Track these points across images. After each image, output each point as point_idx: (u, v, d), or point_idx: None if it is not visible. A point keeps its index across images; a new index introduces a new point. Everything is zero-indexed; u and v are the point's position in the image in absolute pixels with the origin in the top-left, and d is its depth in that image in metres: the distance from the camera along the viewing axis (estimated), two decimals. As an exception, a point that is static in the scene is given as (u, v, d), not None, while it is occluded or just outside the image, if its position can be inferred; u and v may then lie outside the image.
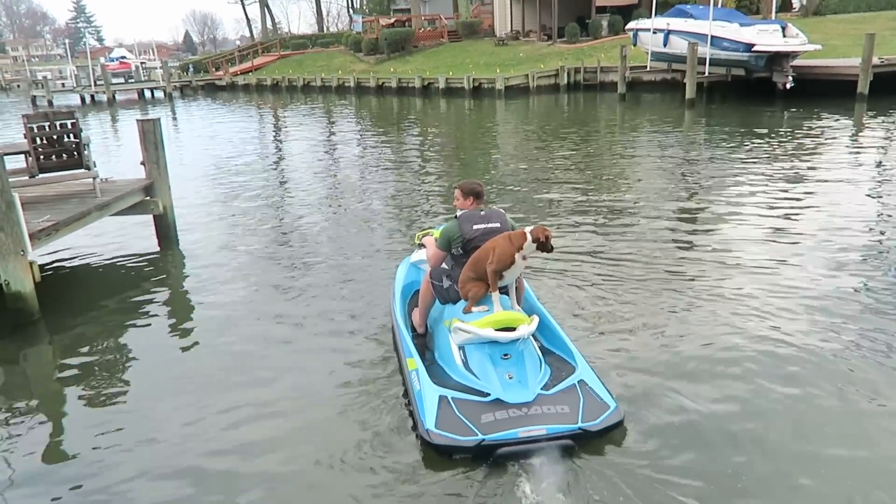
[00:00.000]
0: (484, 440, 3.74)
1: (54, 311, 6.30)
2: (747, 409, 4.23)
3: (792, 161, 11.88)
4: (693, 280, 6.42)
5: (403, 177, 12.56)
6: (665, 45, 23.32)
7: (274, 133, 22.24)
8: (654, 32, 23.73)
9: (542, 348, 4.58)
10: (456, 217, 4.78)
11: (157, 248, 8.30)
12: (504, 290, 4.56)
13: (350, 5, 64.18)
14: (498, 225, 4.64)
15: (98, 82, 39.28)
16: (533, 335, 4.47)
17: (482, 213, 4.72)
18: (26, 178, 7.52)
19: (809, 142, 13.72)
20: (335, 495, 3.63)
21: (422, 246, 5.52)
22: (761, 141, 14.02)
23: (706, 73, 21.31)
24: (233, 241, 8.55)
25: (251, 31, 72.14)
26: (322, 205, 10.46)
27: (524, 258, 4.31)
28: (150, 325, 6.11)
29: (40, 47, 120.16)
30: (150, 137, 8.15)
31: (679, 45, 22.19)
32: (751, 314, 5.59)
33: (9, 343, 5.75)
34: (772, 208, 8.89)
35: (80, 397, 4.89)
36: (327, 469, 3.84)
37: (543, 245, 4.27)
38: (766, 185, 10.16)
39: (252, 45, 55.08)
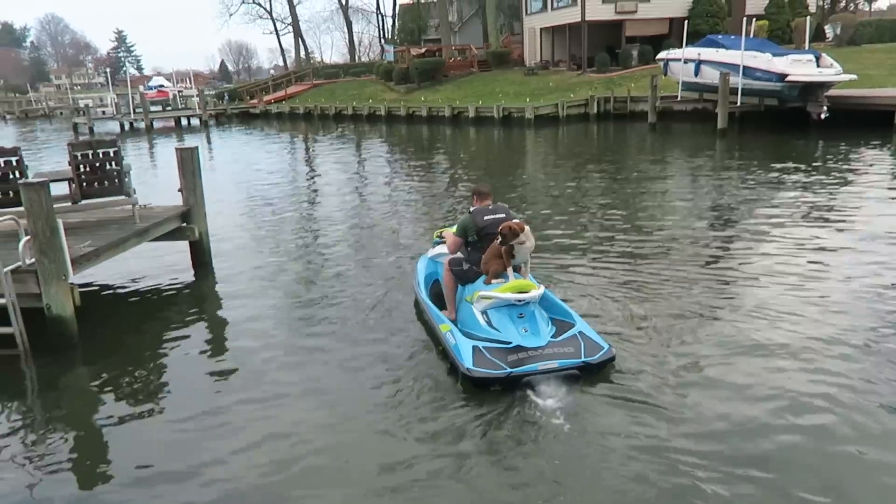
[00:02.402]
0: (512, 372, 4.97)
1: (92, 335, 6.44)
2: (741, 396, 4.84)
3: (827, 192, 11.71)
4: (724, 309, 6.36)
5: (433, 203, 12.65)
6: (696, 75, 23.26)
7: (306, 160, 22.61)
8: (685, 62, 23.71)
9: (548, 317, 5.65)
10: (469, 212, 6.06)
11: (192, 273, 8.46)
12: (516, 269, 5.72)
13: (382, 35, 65.40)
14: (503, 215, 5.90)
15: (137, 110, 40.41)
16: (541, 305, 5.60)
17: (490, 207, 6.05)
18: (69, 204, 7.75)
19: (845, 173, 13.51)
20: (409, 421, 4.71)
21: (438, 243, 6.99)
22: (795, 171, 13.85)
23: (738, 103, 21.18)
24: (266, 268, 8.68)
25: (285, 61, 73.80)
26: (352, 230, 10.59)
27: (521, 242, 5.53)
28: (185, 350, 6.22)
29: (83, 76, 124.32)
30: (188, 165, 8.37)
31: (710, 75, 22.12)
32: (781, 350, 5.52)
33: (49, 366, 5.89)
34: (805, 239, 8.76)
35: (117, 422, 4.98)
36: (397, 416, 4.80)
37: (503, 233, 5.48)
38: (800, 216, 10.01)
39: (286, 74, 56.30)
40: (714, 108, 21.41)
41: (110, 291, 8.04)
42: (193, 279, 8.33)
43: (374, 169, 18.87)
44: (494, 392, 4.97)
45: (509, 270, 5.66)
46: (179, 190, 8.47)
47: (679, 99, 24.63)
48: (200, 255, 8.61)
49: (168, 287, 8.06)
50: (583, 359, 5.08)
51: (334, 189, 15.08)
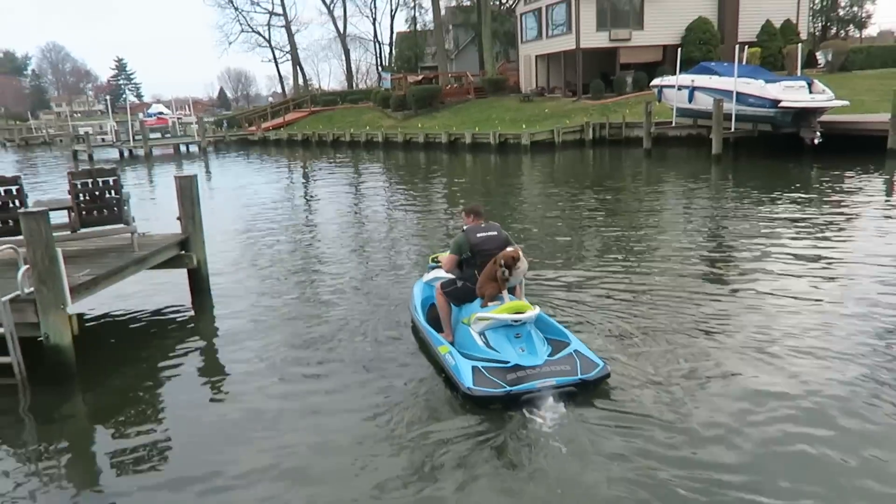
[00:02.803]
0: (511, 390, 5.10)
1: (90, 364, 6.43)
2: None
3: (821, 216, 11.80)
4: (719, 330, 6.39)
5: (430, 228, 12.71)
6: (690, 102, 23.53)
7: (303, 187, 22.72)
8: (679, 89, 23.99)
9: (544, 337, 5.82)
10: (463, 231, 6.28)
11: (191, 301, 8.47)
12: (511, 290, 5.94)
13: (379, 63, 66.10)
14: (495, 233, 6.17)
15: (136, 137, 40.64)
16: (536, 325, 5.77)
17: (482, 225, 6.30)
18: (69, 232, 7.78)
19: (839, 197, 13.62)
20: (409, 443, 4.79)
21: (433, 267, 7.19)
22: (790, 196, 13.96)
23: (732, 129, 21.40)
24: (263, 295, 8.69)
25: (283, 88, 74.44)
26: (349, 256, 10.62)
27: (517, 266, 5.77)
28: (183, 380, 6.21)
29: (83, 103, 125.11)
30: (187, 193, 8.43)
31: (704, 102, 22.38)
32: (771, 363, 5.53)
33: (46, 396, 5.87)
34: (800, 262, 8.82)
35: (114, 453, 4.95)
36: (396, 436, 4.91)
37: (506, 260, 5.70)
38: (795, 240, 10.08)
39: (284, 102, 56.79)
40: (708, 134, 21.63)
41: (108, 320, 8.04)
42: (191, 307, 8.34)
43: (371, 195, 18.96)
44: (493, 413, 5.09)
45: (504, 292, 5.84)
46: (178, 218, 8.51)
47: (674, 125, 24.88)
48: (199, 283, 8.62)
49: (166, 315, 8.06)
50: (579, 376, 5.25)
51: (332, 215, 15.15)
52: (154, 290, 8.89)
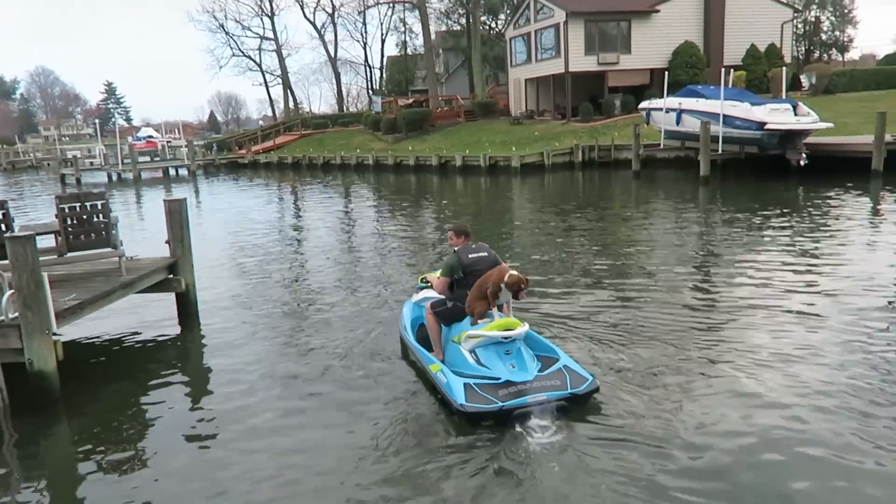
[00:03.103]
0: (503, 406, 5.20)
1: (75, 390, 6.35)
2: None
3: (809, 237, 11.90)
4: (705, 347, 6.41)
5: (420, 250, 12.71)
6: (678, 124, 23.81)
7: (293, 210, 22.72)
8: (667, 112, 24.29)
9: (533, 353, 5.92)
10: (454, 251, 6.36)
11: (178, 325, 8.41)
12: (499, 308, 5.98)
13: (369, 86, 66.60)
14: (486, 254, 6.26)
15: (125, 161, 40.60)
16: (525, 343, 5.89)
17: (473, 246, 6.37)
18: (55, 256, 7.74)
19: (826, 218, 13.77)
20: (402, 463, 4.82)
21: (422, 287, 7.25)
22: (777, 216, 14.10)
23: (719, 151, 21.65)
24: (252, 318, 8.64)
25: (274, 111, 74.70)
26: (339, 279, 10.60)
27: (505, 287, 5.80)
28: (170, 406, 6.14)
29: (71, 127, 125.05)
30: (176, 217, 8.41)
31: (691, 124, 22.65)
32: (760, 377, 5.55)
33: (29, 422, 5.79)
34: (788, 282, 8.88)
35: (98, 480, 4.88)
36: (390, 453, 4.97)
37: (512, 286, 5.70)
38: (783, 261, 10.15)
39: (274, 125, 56.95)
40: (696, 156, 21.85)
41: (94, 345, 7.96)
42: (179, 331, 8.28)
43: (361, 218, 18.98)
44: (484, 431, 5.17)
45: (494, 310, 5.94)
46: (167, 241, 8.48)
47: (662, 147, 25.13)
48: (187, 307, 8.57)
49: (153, 340, 8.00)
50: (569, 390, 5.36)
51: (321, 238, 15.14)
52: (141, 315, 8.83)
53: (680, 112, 23.55)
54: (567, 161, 28.64)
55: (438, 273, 6.83)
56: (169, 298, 8.66)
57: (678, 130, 24.01)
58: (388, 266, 11.64)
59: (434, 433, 5.24)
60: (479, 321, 5.90)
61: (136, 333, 8.21)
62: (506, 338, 5.67)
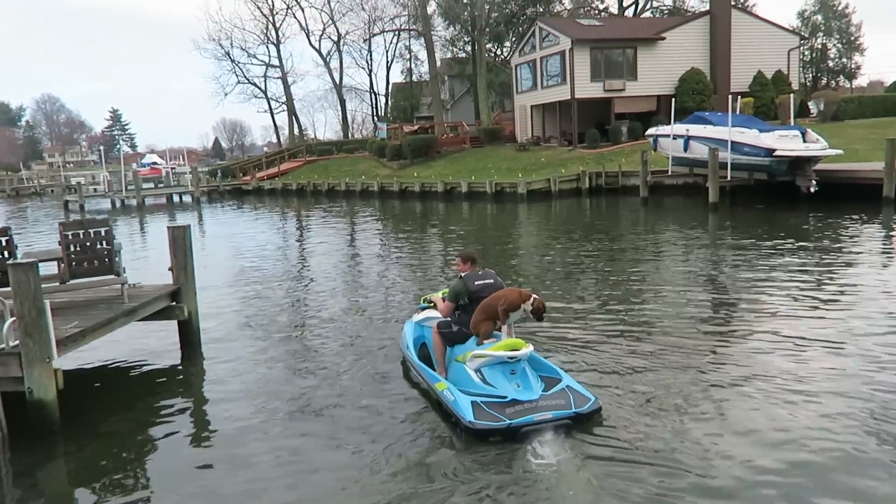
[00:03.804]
0: (511, 424, 5.45)
1: (75, 419, 6.32)
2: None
3: (819, 264, 11.84)
4: (711, 371, 6.37)
5: (426, 277, 12.69)
6: (685, 151, 23.89)
7: (297, 236, 22.78)
8: (674, 138, 24.39)
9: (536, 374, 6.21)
10: (460, 277, 6.64)
11: (180, 354, 8.38)
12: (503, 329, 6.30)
13: (375, 113, 67.24)
14: (492, 281, 6.55)
15: (129, 187, 40.94)
16: (529, 364, 6.14)
17: (480, 273, 6.67)
18: (58, 283, 7.75)
19: (836, 245, 13.71)
20: (410, 482, 4.97)
21: (424, 307, 7.58)
22: (787, 244, 14.05)
23: (728, 177, 21.68)
24: (255, 347, 8.62)
25: (279, 137, 75.34)
26: (343, 304, 10.61)
27: (524, 311, 6.13)
28: (171, 436, 6.09)
29: (76, 154, 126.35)
30: (180, 244, 8.42)
31: (699, 150, 22.73)
32: (765, 402, 5.50)
33: (28, 452, 5.74)
34: (798, 310, 8.82)
35: (95, 512, 4.82)
36: (399, 472, 5.13)
37: (538, 311, 6.11)
38: (793, 288, 10.09)
39: (279, 151, 57.43)
40: (705, 183, 21.88)
41: (95, 374, 7.94)
42: (181, 360, 8.25)
43: (365, 244, 19.02)
44: (490, 448, 5.39)
45: (503, 328, 6.25)
46: (170, 268, 8.49)
47: (670, 173, 25.19)
48: (189, 335, 8.54)
49: (155, 368, 7.97)
50: (573, 409, 5.63)
51: (325, 265, 15.14)
52: (143, 343, 8.81)
53: (688, 138, 23.65)
54: (574, 188, 28.73)
55: (441, 293, 7.30)
56: (171, 326, 8.64)
57: (686, 157, 24.08)
58: (391, 292, 11.62)
59: (442, 449, 5.43)
60: (485, 341, 6.16)
61: (138, 362, 8.19)
62: (511, 357, 5.92)
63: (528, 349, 5.98)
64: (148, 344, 8.78)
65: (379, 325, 9.39)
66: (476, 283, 6.51)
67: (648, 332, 8.32)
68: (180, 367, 8.03)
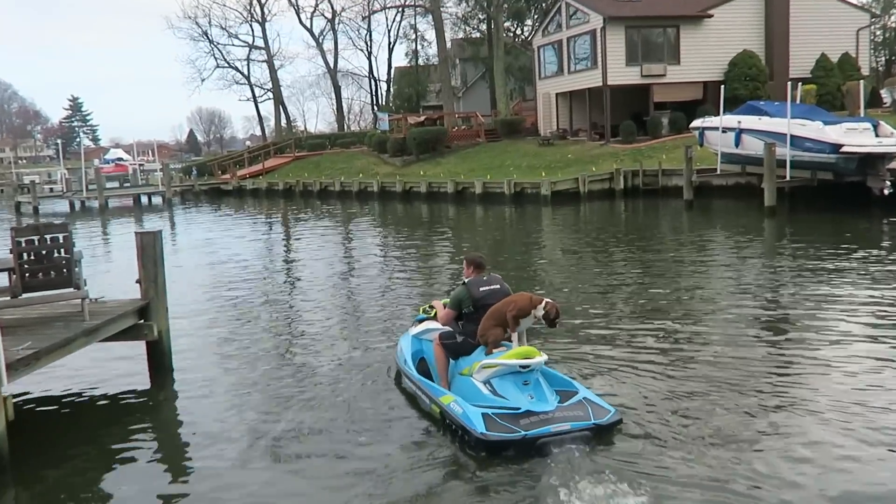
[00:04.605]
0: (526, 435, 5.73)
1: (27, 455, 6.35)
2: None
3: (893, 279, 11.79)
4: (756, 394, 6.40)
5: (428, 293, 12.68)
6: (737, 146, 23.83)
7: (284, 245, 22.87)
8: (724, 131, 24.35)
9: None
10: (464, 283, 6.92)
11: (149, 379, 8.41)
12: (514, 338, 6.55)
13: (375, 102, 67.61)
14: (498, 286, 6.84)
15: (90, 187, 41.28)
16: (543, 376, 6.44)
17: (485, 278, 6.95)
18: (8, 298, 7.81)
19: (917, 257, 13.63)
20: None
21: (422, 319, 7.86)
22: (856, 255, 13.97)
23: (787, 177, 21.61)
24: (234, 371, 8.64)
25: (263, 130, 76.01)
26: (334, 322, 10.71)
27: (535, 316, 6.44)
28: (138, 475, 6.12)
29: (30, 148, 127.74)
30: (149, 252, 8.47)
31: (753, 146, 22.66)
32: (822, 429, 5.49)
33: (-28, 493, 5.77)
34: (865, 333, 8.77)
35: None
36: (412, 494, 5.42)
37: (550, 316, 6.40)
38: (861, 308, 10.03)
39: (264, 146, 57.87)
40: (759, 183, 21.81)
41: (51, 402, 7.97)
42: (150, 386, 8.28)
43: (362, 254, 19.07)
44: (505, 463, 5.69)
45: (514, 337, 6.49)
46: (137, 281, 8.54)
47: (718, 172, 25.13)
48: (159, 358, 8.58)
49: (120, 396, 8.00)
50: (593, 421, 5.94)
51: (315, 278, 15.19)
52: (107, 367, 8.84)
53: (739, 132, 23.59)
54: (606, 189, 28.71)
55: (443, 301, 7.61)
56: (139, 348, 8.68)
57: (737, 153, 24.02)
58: (389, 309, 11.63)
59: (451, 471, 5.69)
60: (495, 350, 6.44)
61: (100, 389, 8.22)
62: (524, 367, 6.17)
63: (542, 357, 6.23)
64: (112, 368, 8.82)
65: (374, 344, 9.47)
66: (481, 289, 6.80)
67: (692, 354, 8.35)
68: (149, 395, 8.05)
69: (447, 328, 7.10)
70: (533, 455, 5.69)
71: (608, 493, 5.12)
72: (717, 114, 25.45)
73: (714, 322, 9.84)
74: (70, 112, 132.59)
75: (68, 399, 8.02)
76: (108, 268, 18.17)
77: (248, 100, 70.21)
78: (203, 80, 74.25)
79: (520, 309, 6.43)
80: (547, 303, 6.45)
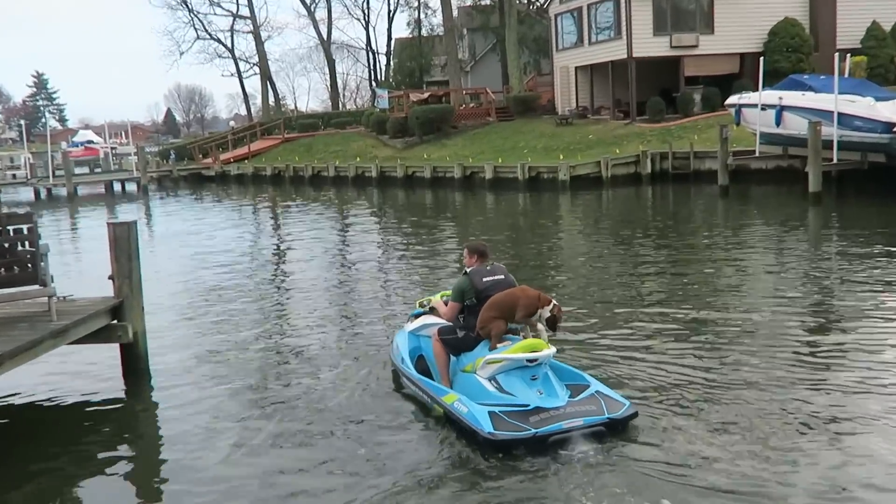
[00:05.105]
0: (537, 433, 5.92)
1: (-12, 470, 6.39)
2: None
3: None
4: (802, 405, 6.39)
5: (433, 288, 12.70)
6: (778, 125, 23.74)
7: (272, 237, 22.91)
8: (763, 109, 24.26)
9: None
10: (465, 273, 7.12)
11: (123, 386, 8.45)
12: (514, 332, 6.85)
13: (373, 77, 67.59)
14: (502, 276, 7.06)
15: (58, 173, 41.41)
16: (551, 370, 6.67)
17: (488, 268, 7.13)
18: (-33, 296, 7.84)
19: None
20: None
21: (418, 314, 8.11)
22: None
23: (834, 160, 21.52)
24: (217, 378, 8.65)
25: (249, 109, 75.97)
26: (327, 326, 10.69)
27: (541, 318, 6.72)
28: (110, 492, 6.15)
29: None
30: (123, 246, 8.49)
31: (796, 125, 22.57)
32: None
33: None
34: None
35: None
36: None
37: (554, 320, 6.70)
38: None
39: (249, 126, 57.91)
40: (803, 167, 21.75)
41: (15, 412, 8.02)
42: (124, 394, 8.31)
43: (358, 246, 19.10)
44: (516, 461, 5.87)
45: (541, 328, 6.75)
46: (110, 277, 8.57)
47: (757, 155, 25.05)
48: (135, 362, 8.61)
49: (91, 405, 8.03)
50: (607, 415, 6.15)
51: (306, 274, 15.21)
52: (77, 372, 8.87)
53: (780, 109, 23.50)
54: (632, 173, 28.67)
55: (441, 296, 7.89)
56: (112, 351, 8.71)
57: (778, 133, 23.94)
58: (387, 307, 11.69)
59: (457, 471, 5.91)
60: (499, 345, 6.61)
61: (69, 396, 8.25)
62: (532, 360, 6.37)
63: (550, 350, 6.46)
64: (82, 373, 8.85)
65: (369, 344, 9.60)
66: (485, 279, 6.99)
67: (725, 353, 8.40)
68: (124, 404, 8.08)
69: (446, 323, 7.32)
70: (544, 454, 5.87)
71: (624, 493, 5.27)
72: (756, 89, 25.34)
73: (750, 321, 9.80)
74: (34, 90, 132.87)
75: (33, 409, 8.05)
76: (77, 263, 18.25)
77: (231, 75, 70.30)
78: (182, 54, 73.70)
79: (527, 308, 6.66)
80: (554, 305, 6.69)
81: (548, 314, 6.64)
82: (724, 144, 24.10)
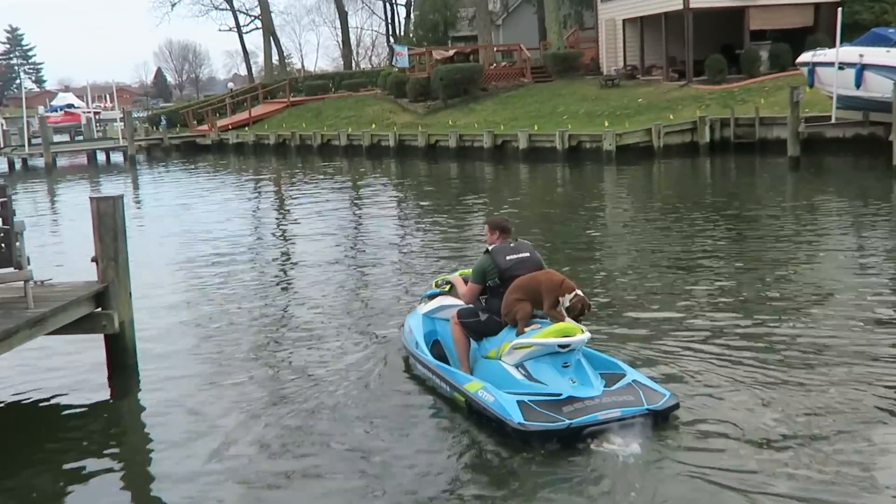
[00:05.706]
0: (571, 424, 6.04)
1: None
2: None
3: None
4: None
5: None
6: (858, 87, 23.47)
7: (275, 214, 23.01)
8: (841, 68, 23.99)
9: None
10: (487, 252, 7.29)
11: (108, 380, 8.53)
12: (544, 316, 6.93)
13: (391, 32, 67.39)
14: (528, 254, 7.21)
15: (34, 141, 41.77)
16: (584, 357, 6.85)
17: (512, 245, 7.31)
18: (-66, 279, 7.96)
19: None
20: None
21: (434, 294, 8.34)
22: None
23: (924, 127, 21.29)
24: (212, 370, 8.75)
25: (250, 69, 76.22)
26: (334, 313, 10.83)
27: (561, 305, 6.80)
28: (93, 496, 6.24)
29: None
30: (108, 223, 8.55)
31: (879, 86, 22.31)
32: None
33: None
34: None
35: None
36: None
37: (576, 310, 6.76)
38: None
39: (250, 88, 57.96)
40: (887, 136, 21.52)
41: (-13, 408, 8.14)
42: (109, 389, 8.40)
43: (371, 225, 19.14)
44: (549, 455, 6.00)
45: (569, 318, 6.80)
46: (94, 259, 8.64)
47: (833, 121, 24.81)
48: (120, 354, 8.68)
49: (72, 400, 8.12)
50: (646, 406, 6.30)
51: (314, 254, 15.22)
52: (55, 367, 8.96)
53: (861, 68, 23.23)
54: (688, 142, 28.47)
55: (460, 273, 8.08)
56: (97, 342, 8.81)
57: (859, 96, 23.68)
58: (402, 292, 11.70)
59: (482, 466, 6.10)
60: (527, 329, 6.73)
61: (48, 392, 8.34)
62: (564, 346, 6.50)
63: (584, 335, 6.59)
64: (62, 368, 8.94)
65: (381, 329, 9.78)
66: (508, 257, 7.13)
67: (788, 346, 8.47)
68: (108, 401, 8.18)
69: (464, 304, 7.47)
70: (578, 447, 6.02)
71: (667, 490, 5.41)
72: (833, 45, 25.05)
73: (821, 315, 9.73)
74: (7, 46, 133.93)
75: (10, 406, 8.15)
76: (57, 243, 18.43)
77: (230, 30, 70.62)
78: (173, 6, 74.28)
79: (550, 292, 6.80)
80: (577, 294, 6.76)
81: (567, 303, 6.73)
82: (795, 109, 23.86)
